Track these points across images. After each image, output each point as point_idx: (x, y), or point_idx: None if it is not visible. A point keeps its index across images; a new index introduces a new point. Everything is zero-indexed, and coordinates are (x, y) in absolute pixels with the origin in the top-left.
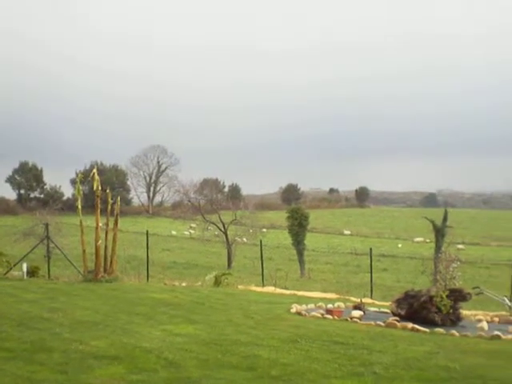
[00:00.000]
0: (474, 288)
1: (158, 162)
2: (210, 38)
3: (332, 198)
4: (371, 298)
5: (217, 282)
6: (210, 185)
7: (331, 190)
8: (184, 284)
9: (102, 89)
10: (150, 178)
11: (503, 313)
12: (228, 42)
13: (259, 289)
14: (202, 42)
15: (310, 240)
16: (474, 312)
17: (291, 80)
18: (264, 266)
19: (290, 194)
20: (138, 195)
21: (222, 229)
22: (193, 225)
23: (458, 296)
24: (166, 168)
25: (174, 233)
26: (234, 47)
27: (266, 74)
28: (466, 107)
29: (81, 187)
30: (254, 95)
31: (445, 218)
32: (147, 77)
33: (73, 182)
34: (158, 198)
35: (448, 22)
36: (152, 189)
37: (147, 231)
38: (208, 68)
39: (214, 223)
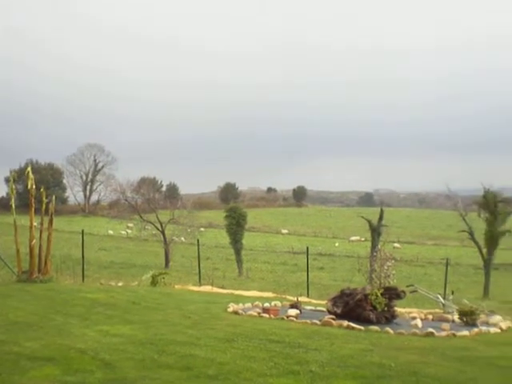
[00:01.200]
0: (408, 286)
1: (95, 161)
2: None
3: (270, 197)
4: (308, 296)
5: (154, 282)
6: (148, 184)
7: (269, 190)
8: (120, 284)
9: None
10: (87, 177)
11: (437, 310)
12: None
13: (196, 288)
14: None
15: (248, 239)
16: (408, 310)
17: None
18: (202, 265)
19: (229, 193)
20: (74, 194)
21: (160, 228)
22: (130, 224)
23: (392, 294)
24: (102, 166)
25: (110, 232)
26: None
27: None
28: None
29: (14, 186)
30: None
31: (380, 217)
32: None
33: (7, 180)
34: (94, 197)
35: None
36: (88, 187)
37: (82, 230)
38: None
39: (151, 222)
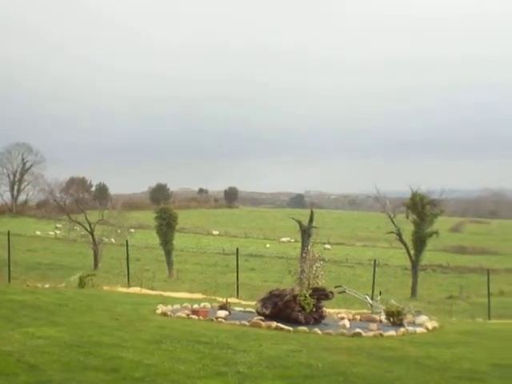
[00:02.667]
0: (337, 287)
1: (23, 160)
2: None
3: (201, 199)
4: (238, 297)
5: (82, 284)
6: (77, 184)
7: (200, 190)
8: (47, 285)
9: None
10: (14, 176)
11: (365, 311)
12: None
13: (125, 290)
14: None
15: (178, 240)
16: (337, 310)
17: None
18: (131, 266)
19: (159, 193)
20: (0, 194)
21: (89, 229)
22: (58, 225)
23: (321, 295)
24: (30, 166)
25: (38, 233)
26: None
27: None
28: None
29: None
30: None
31: (311, 219)
32: None
33: None
34: (22, 197)
35: None
36: (16, 187)
37: (8, 231)
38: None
39: (80, 223)
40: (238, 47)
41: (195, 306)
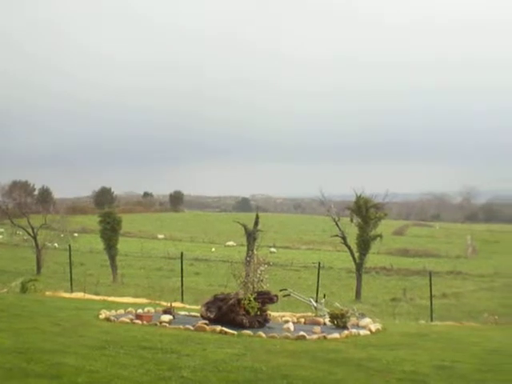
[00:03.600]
0: (281, 290)
1: None
2: None
3: (146, 202)
4: (182, 302)
5: (23, 289)
6: (19, 187)
7: (145, 194)
8: None
9: None
10: None
11: (309, 314)
12: None
13: (68, 295)
14: None
15: (123, 244)
16: (281, 313)
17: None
18: (75, 271)
19: (103, 197)
20: None
21: (32, 233)
22: (0, 229)
23: (265, 298)
24: None
25: None
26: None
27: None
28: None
29: None
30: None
31: (256, 222)
32: None
33: None
34: None
35: None
36: None
37: None
38: None
39: (22, 227)
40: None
41: (139, 311)
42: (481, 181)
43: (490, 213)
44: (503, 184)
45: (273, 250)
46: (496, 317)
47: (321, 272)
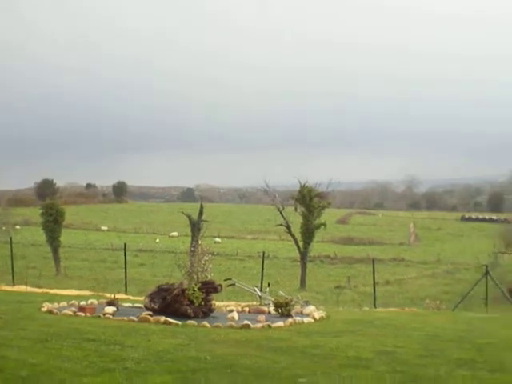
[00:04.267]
0: (226, 280)
1: None
2: None
3: (89, 194)
4: (126, 293)
5: None
6: None
7: (88, 185)
8: None
9: None
10: None
11: (254, 303)
12: None
13: (9, 288)
14: None
15: (66, 237)
16: (226, 303)
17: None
18: (16, 264)
19: (45, 189)
20: None
21: None
22: None
23: (209, 288)
24: None
25: None
26: None
27: None
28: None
29: None
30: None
31: (201, 213)
32: None
33: None
34: None
35: None
36: None
37: None
38: None
39: None
40: None
41: (82, 303)
42: (423, 169)
43: (432, 201)
44: (444, 172)
45: (218, 240)
46: (438, 302)
47: (266, 261)
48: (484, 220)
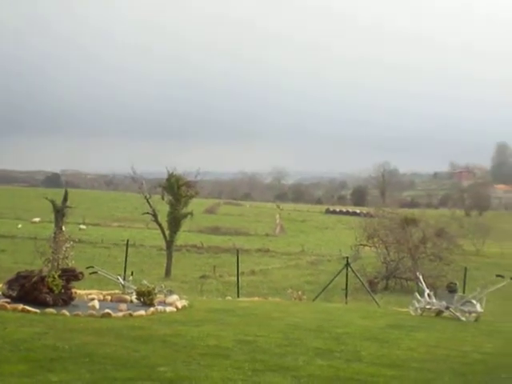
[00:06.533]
0: (88, 267)
1: None
2: None
3: None
4: None
5: None
6: None
7: None
8: None
9: None
10: None
11: (117, 291)
12: None
13: None
14: None
15: None
16: (88, 291)
17: None
18: None
19: None
20: None
21: None
22: None
23: (70, 276)
24: None
25: None
26: None
27: None
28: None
29: None
30: None
31: (65, 199)
32: None
33: None
34: None
35: None
36: None
37: None
38: None
39: None
40: None
41: None
42: (292, 162)
43: (298, 193)
44: (312, 165)
45: (83, 227)
46: (299, 292)
47: (131, 250)
48: (347, 213)
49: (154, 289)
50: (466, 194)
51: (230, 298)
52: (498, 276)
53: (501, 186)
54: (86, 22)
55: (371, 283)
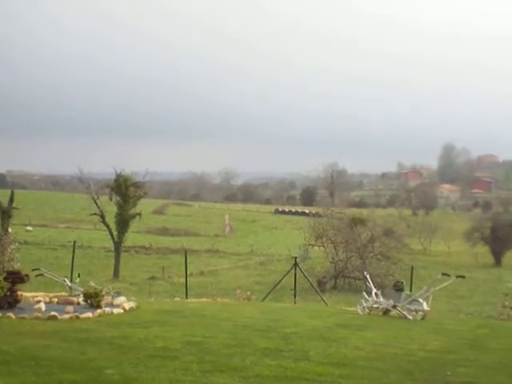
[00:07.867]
0: (34, 270)
1: None
2: None
3: None
4: None
5: None
6: None
7: None
8: None
9: None
10: None
11: (64, 293)
12: None
13: None
14: None
15: None
16: (34, 294)
17: None
18: None
19: None
20: None
21: None
22: None
23: (15, 278)
24: None
25: None
26: None
27: None
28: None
29: None
30: None
31: (11, 200)
32: None
33: None
34: None
35: None
36: None
37: None
38: None
39: None
40: None
41: None
42: (242, 162)
43: (248, 193)
44: (262, 166)
45: (29, 228)
46: (248, 293)
47: (79, 251)
48: (296, 213)
49: (101, 290)
50: (413, 193)
51: (178, 299)
52: (443, 275)
53: (447, 186)
54: None
55: (320, 283)
